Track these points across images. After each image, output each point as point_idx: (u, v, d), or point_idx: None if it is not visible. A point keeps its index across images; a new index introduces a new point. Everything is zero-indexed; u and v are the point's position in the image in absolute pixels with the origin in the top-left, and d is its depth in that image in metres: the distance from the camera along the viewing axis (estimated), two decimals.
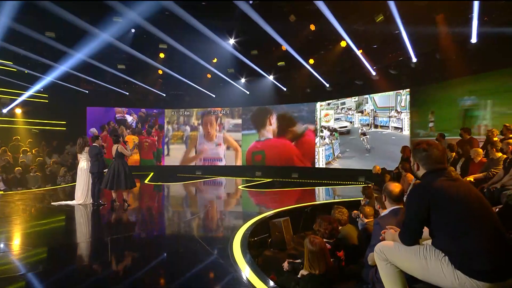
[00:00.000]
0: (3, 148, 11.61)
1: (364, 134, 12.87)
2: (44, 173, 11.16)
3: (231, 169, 16.24)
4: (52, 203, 7.41)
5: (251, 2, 9.50)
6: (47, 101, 14.64)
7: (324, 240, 3.32)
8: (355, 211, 6.43)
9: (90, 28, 10.25)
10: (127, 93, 15.38)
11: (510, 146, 5.20)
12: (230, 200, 8.94)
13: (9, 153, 11.67)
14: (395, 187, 2.75)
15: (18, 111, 13.74)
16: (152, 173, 15.45)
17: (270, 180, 12.98)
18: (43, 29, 10.65)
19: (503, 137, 6.85)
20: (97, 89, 14.76)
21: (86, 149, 7.42)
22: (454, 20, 8.53)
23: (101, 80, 14.00)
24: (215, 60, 13.55)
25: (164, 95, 15.83)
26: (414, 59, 10.21)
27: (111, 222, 6.26)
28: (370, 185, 6.78)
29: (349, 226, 3.78)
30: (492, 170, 5.57)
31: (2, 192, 9.48)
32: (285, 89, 14.67)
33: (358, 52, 11.09)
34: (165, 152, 16.95)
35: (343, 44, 11.08)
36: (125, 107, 16.25)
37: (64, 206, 7.27)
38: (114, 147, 7.02)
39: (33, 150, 12.33)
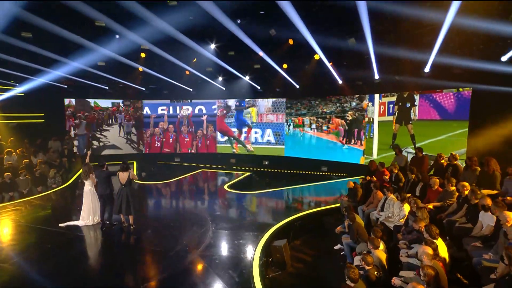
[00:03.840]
0: None
1: None
2: (33, 176, 10.30)
3: (206, 156, 16.15)
4: (60, 225, 7.01)
5: (239, 21, 9.06)
6: (22, 94, 13.13)
7: None
8: (338, 228, 6.96)
9: (73, 36, 9.21)
10: (107, 88, 14.21)
11: (465, 188, 5.87)
12: (226, 215, 8.21)
13: None
14: None
15: None
16: (135, 163, 14.88)
17: (248, 173, 13.07)
18: (19, 31, 9.33)
19: (449, 162, 7.68)
20: (76, 84, 13.45)
21: (91, 175, 7.02)
22: (416, 51, 8.94)
23: (81, 77, 12.74)
24: (194, 60, 12.91)
25: (144, 89, 14.89)
26: (377, 76, 10.66)
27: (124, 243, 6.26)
28: (350, 205, 7.24)
29: (360, 283, 4.17)
30: (447, 201, 6.28)
31: None
32: (258, 87, 14.52)
33: (329, 64, 11.25)
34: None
35: (316, 57, 11.12)
36: (104, 99, 15.15)
37: (72, 227, 6.96)
38: (125, 174, 6.71)
39: (17, 150, 11.20)
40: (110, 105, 15.81)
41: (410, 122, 10.50)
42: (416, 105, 10.33)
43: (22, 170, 10.01)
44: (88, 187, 7.08)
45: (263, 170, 14.43)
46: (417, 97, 10.35)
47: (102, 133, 15.73)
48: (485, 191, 6.18)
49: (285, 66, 12.62)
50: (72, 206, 8.62)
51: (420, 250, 3.87)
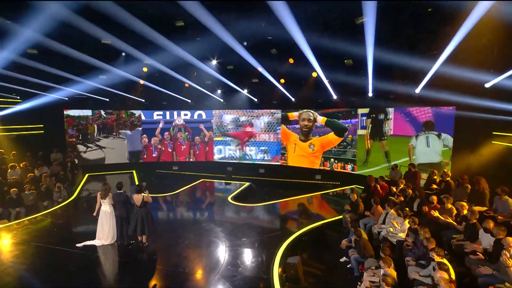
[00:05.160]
0: None
1: None
2: (39, 190, 10.00)
3: (204, 164, 16.10)
4: (77, 245, 6.90)
5: (245, 43, 9.17)
6: (21, 106, 12.69)
7: None
8: (345, 243, 7.18)
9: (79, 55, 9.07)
10: (107, 99, 13.95)
11: (463, 208, 6.25)
12: (236, 230, 8.02)
13: None
14: None
15: None
16: (134, 172, 14.69)
17: (247, 183, 13.17)
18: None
19: (441, 178, 8.10)
20: (76, 96, 13.15)
21: (110, 194, 6.97)
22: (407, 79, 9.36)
23: (81, 90, 12.46)
24: (194, 74, 12.90)
25: (143, 100, 14.71)
26: (371, 94, 11.03)
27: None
28: (356, 223, 7.44)
29: None
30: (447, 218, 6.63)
31: (7, 222, 8.41)
32: (255, 99, 14.66)
33: (326, 81, 11.52)
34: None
35: (314, 74, 11.38)
36: (104, 109, 14.84)
37: (90, 247, 6.88)
38: (139, 196, 6.70)
39: (21, 164, 10.83)
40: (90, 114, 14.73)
41: (384, 137, 10.26)
42: (389, 119, 10.26)
43: (27, 185, 9.70)
44: (107, 207, 7.01)
45: (260, 178, 14.49)
46: (391, 110, 10.33)
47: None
48: (476, 208, 6.62)
49: (282, 81, 12.83)
50: (83, 222, 8.52)
51: (438, 276, 4.15)
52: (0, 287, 5.38)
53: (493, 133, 8.70)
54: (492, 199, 6.81)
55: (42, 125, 13.40)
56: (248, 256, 6.59)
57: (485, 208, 6.79)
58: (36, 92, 11.69)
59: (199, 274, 5.85)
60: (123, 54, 10.16)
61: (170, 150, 16.02)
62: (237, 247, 7.03)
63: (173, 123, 16.01)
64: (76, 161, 13.42)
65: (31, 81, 10.23)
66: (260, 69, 11.76)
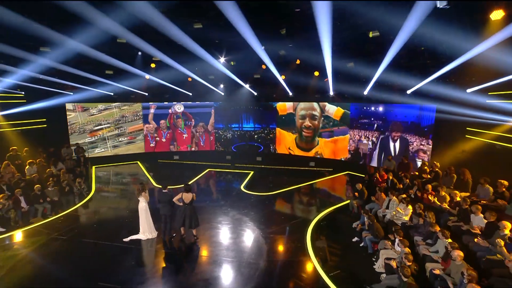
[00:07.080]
0: (6, 162, 9.75)
1: None
2: (60, 185, 9.92)
3: (204, 154, 16.38)
4: (124, 239, 7.23)
5: (263, 47, 9.49)
6: (25, 100, 12.11)
7: None
8: (359, 225, 8.14)
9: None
10: (112, 94, 13.61)
11: (456, 195, 7.43)
12: (260, 218, 8.67)
13: (12, 166, 9.87)
14: None
15: None
16: (139, 163, 14.68)
17: (251, 172, 13.73)
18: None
19: (431, 168, 9.31)
20: (80, 91, 12.72)
21: (143, 193, 7.33)
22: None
23: (87, 85, 12.10)
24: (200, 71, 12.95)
25: (147, 94, 14.50)
26: (366, 92, 11.94)
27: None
28: (372, 215, 8.28)
29: (411, 278, 5.37)
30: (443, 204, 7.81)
31: (41, 220, 8.39)
32: (255, 93, 15.04)
33: (325, 80, 12.19)
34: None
35: (316, 73, 12.00)
36: (107, 102, 14.44)
37: (136, 241, 7.25)
38: (189, 195, 7.12)
39: (37, 160, 10.54)
40: None
41: None
42: None
43: (50, 181, 9.60)
44: (142, 204, 7.38)
45: (258, 166, 15.06)
46: None
47: None
48: (462, 194, 7.87)
49: (283, 77, 13.30)
50: (117, 216, 8.77)
51: (455, 254, 5.17)
52: (69, 285, 5.64)
53: (467, 128, 10.04)
54: (474, 187, 8.09)
55: (45, 119, 12.88)
56: (283, 243, 7.32)
57: (468, 194, 8.05)
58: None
59: (249, 261, 6.44)
60: (139, 53, 10.07)
61: (164, 140, 15.78)
62: (270, 234, 7.71)
63: (170, 110, 15.64)
64: (87, 154, 13.18)
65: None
66: (265, 66, 12.10)
